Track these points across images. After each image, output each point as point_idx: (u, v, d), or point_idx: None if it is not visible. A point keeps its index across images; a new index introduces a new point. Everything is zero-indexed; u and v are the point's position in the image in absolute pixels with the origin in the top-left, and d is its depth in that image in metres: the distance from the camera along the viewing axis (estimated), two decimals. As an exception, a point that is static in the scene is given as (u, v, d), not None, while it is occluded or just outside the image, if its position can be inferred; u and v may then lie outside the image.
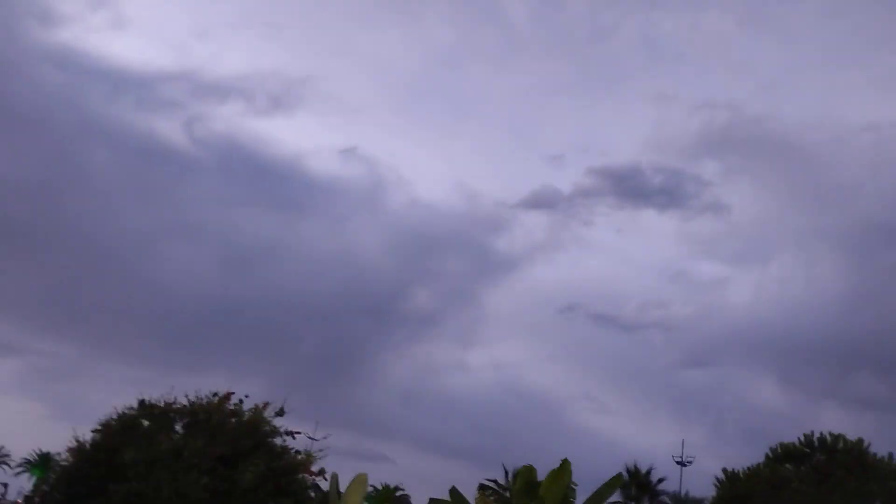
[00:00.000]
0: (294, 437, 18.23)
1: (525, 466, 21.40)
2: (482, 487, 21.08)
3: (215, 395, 18.86)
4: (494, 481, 36.12)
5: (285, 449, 18.09)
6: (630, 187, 76.23)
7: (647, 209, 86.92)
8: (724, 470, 34.48)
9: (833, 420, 54.74)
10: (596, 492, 21.98)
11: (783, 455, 33.70)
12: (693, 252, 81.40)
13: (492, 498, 20.45)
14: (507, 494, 30.38)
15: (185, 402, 18.68)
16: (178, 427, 18.18)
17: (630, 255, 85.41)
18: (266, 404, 18.35)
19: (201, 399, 18.68)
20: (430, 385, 72.12)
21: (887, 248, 70.29)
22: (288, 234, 74.72)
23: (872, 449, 33.67)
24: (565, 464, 20.30)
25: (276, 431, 18.14)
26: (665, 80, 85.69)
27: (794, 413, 61.58)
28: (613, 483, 25.35)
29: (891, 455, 32.47)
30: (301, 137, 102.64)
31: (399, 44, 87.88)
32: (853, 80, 78.61)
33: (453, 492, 20.77)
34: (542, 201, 78.50)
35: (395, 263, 77.73)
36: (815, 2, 76.72)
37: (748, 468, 33.71)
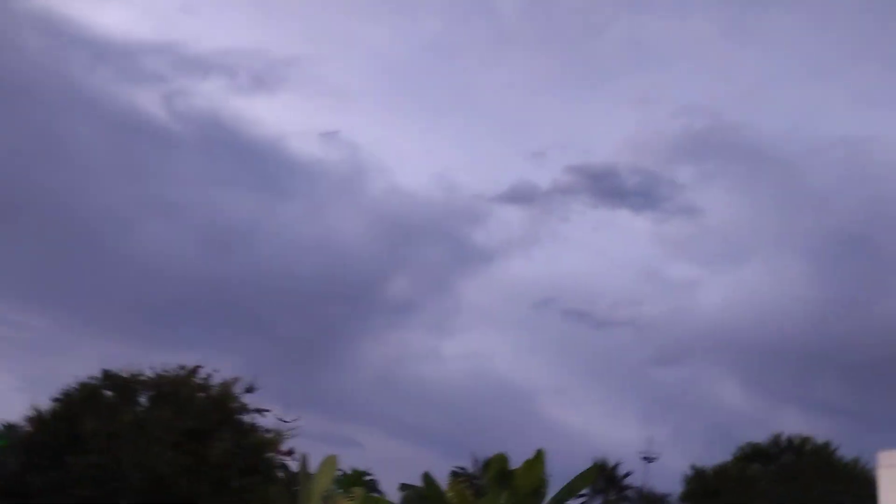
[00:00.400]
0: (263, 415, 17.62)
1: (498, 455, 21.04)
2: (455, 474, 20.74)
3: (182, 368, 18.16)
4: (463, 469, 35.89)
5: (254, 426, 17.48)
6: (606, 186, 76.17)
7: (622, 209, 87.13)
8: (694, 466, 34.55)
9: (794, 423, 55.55)
10: (569, 483, 21.75)
11: (752, 454, 33.86)
12: (666, 253, 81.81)
13: (464, 485, 20.04)
14: (476, 482, 30.11)
15: (150, 374, 17.96)
16: (142, 399, 17.45)
17: (604, 253, 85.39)
18: (235, 379, 17.68)
19: (168, 372, 17.96)
20: (403, 372, 71.64)
21: (853, 258, 71.30)
22: (267, 216, 73.42)
23: (838, 453, 34.04)
24: (540, 453, 20.00)
25: (244, 408, 17.49)
26: (648, 82, 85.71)
27: (756, 414, 62.17)
28: (587, 475, 25.11)
29: (857, 459, 32.77)
30: (282, 118, 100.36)
31: (387, 32, 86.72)
32: (830, 94, 79.34)
33: (426, 477, 20.35)
34: (520, 196, 78.06)
35: (373, 250, 76.87)
36: (798, 15, 77.11)
37: (717, 466, 33.82)
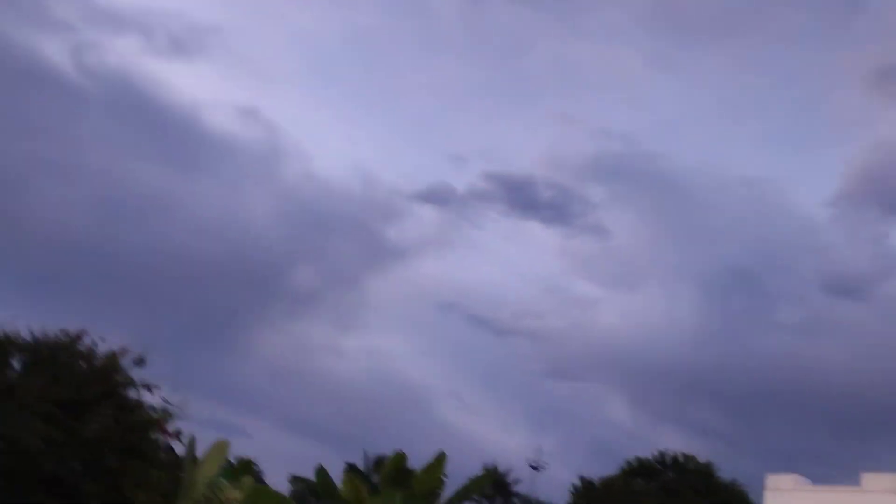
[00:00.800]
0: (151, 392, 16.22)
1: (397, 453, 20.41)
2: (352, 470, 19.93)
3: (65, 333, 16.50)
4: (353, 465, 34.91)
5: (139, 403, 16.07)
6: (522, 197, 77.72)
7: (533, 221, 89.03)
8: (582, 478, 35.09)
9: (671, 443, 58.35)
10: (464, 487, 21.36)
11: (638, 469, 34.67)
12: (570, 269, 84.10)
13: (359, 481, 19.24)
14: (368, 479, 29.25)
15: (27, 337, 16.22)
16: (15, 363, 15.72)
17: (512, 262, 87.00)
18: (123, 351, 16.20)
19: (47, 336, 16.27)
20: (300, 364, 69.91)
21: (739, 294, 75.95)
22: (172, 188, 69.61)
23: (718, 474, 35.34)
24: (441, 456, 19.55)
25: (130, 382, 16.06)
26: (570, 102, 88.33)
27: (639, 431, 64.74)
28: (481, 480, 24.94)
29: (735, 481, 34.13)
30: (199, 88, 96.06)
31: (319, 16, 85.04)
32: (738, 135, 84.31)
33: (320, 471, 19.44)
34: (436, 197, 78.38)
35: (283, 236, 74.63)
36: (718, 57, 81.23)
37: (604, 478, 34.46)
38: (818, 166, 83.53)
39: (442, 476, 19.37)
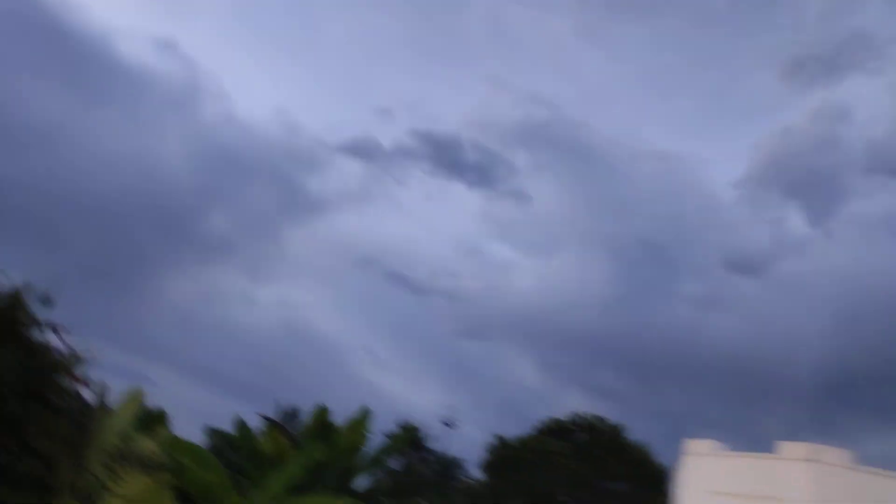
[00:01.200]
0: (58, 333, 14.86)
1: (319, 407, 19.88)
2: (272, 423, 19.25)
3: (-40, 268, 14.90)
4: (272, 419, 34.20)
5: (45, 346, 14.72)
6: (447, 157, 77.04)
7: (457, 182, 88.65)
8: (498, 437, 35.52)
9: (575, 404, 60.73)
10: (386, 443, 21.11)
11: (555, 429, 35.38)
12: (490, 232, 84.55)
13: (280, 435, 18.64)
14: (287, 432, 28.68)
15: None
16: None
17: (433, 222, 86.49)
18: (28, 287, 14.74)
19: (-61, 270, 14.62)
20: (210, 313, 67.70)
21: (648, 265, 78.32)
22: (78, 120, 65.01)
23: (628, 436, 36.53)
24: (366, 412, 19.20)
25: (35, 322, 14.66)
26: (500, 64, 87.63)
27: (544, 393, 66.61)
28: (401, 437, 24.71)
29: (643, 443, 35.34)
30: (113, 14, 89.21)
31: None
32: (656, 111, 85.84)
33: (240, 424, 18.70)
34: (361, 150, 76.37)
35: (197, 180, 71.22)
36: (642, 34, 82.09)
37: (519, 438, 35.03)
38: (729, 147, 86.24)
39: (366, 432, 19.03)
